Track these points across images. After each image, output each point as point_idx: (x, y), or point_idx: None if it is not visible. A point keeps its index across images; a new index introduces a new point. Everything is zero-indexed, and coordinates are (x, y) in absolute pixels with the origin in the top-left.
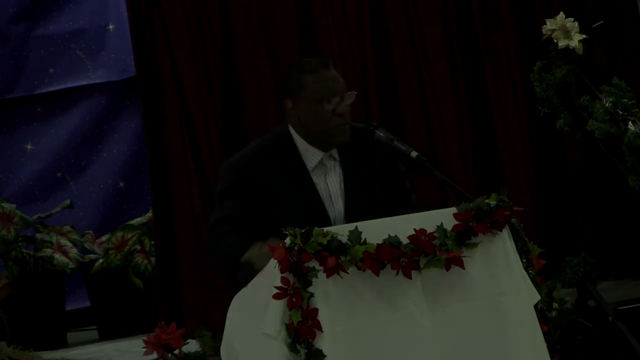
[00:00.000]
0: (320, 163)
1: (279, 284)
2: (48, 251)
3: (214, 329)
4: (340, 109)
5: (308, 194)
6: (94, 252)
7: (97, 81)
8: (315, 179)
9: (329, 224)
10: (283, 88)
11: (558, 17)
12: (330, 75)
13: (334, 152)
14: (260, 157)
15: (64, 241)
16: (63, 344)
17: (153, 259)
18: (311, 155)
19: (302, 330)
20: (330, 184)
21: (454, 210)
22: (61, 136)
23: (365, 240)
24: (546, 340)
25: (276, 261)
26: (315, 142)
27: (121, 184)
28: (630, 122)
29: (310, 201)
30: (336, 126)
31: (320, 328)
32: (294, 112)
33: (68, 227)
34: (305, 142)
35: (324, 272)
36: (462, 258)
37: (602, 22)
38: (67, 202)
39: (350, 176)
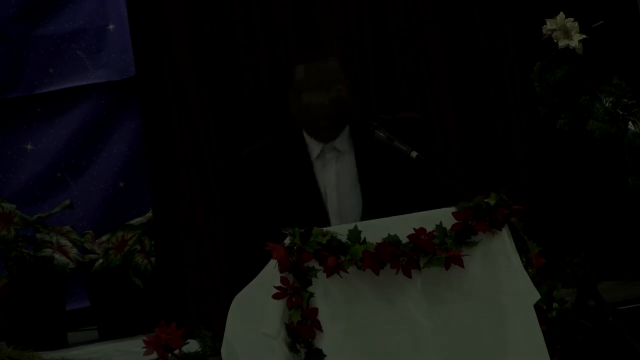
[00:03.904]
0: (322, 154)
1: (279, 283)
2: (48, 251)
3: (214, 329)
4: (318, 100)
5: (307, 185)
6: (94, 252)
7: (97, 81)
8: (317, 168)
9: (326, 217)
10: (283, 79)
11: (558, 17)
12: (316, 67)
13: (339, 144)
14: (268, 148)
15: (64, 241)
16: (63, 344)
17: (153, 259)
18: (313, 146)
19: (302, 330)
20: (326, 177)
21: (453, 209)
22: (61, 136)
23: (364, 239)
24: (546, 340)
25: (276, 261)
26: (310, 133)
27: (121, 184)
28: (630, 122)
29: (308, 192)
30: (318, 119)
31: (320, 328)
32: (291, 103)
33: (68, 227)
34: (306, 133)
35: (323, 271)
36: (462, 257)
37: (602, 22)
38: (67, 202)
39: (362, 169)
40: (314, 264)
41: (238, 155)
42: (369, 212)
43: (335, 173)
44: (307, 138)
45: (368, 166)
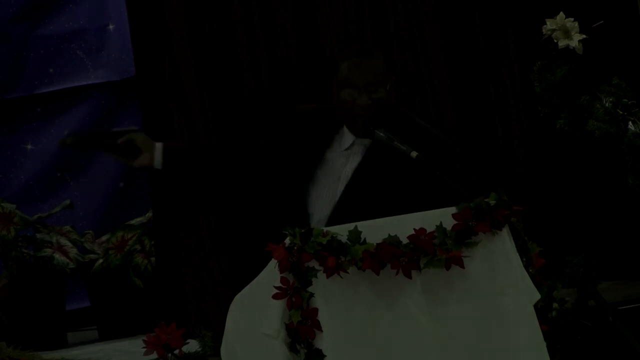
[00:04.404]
0: (352, 145)
1: (279, 283)
2: (48, 251)
3: (214, 329)
4: (360, 100)
5: (305, 168)
6: (94, 252)
7: (97, 81)
8: (340, 158)
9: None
10: (328, 69)
11: (558, 17)
12: (359, 65)
13: (366, 141)
14: (318, 117)
15: (64, 241)
16: (63, 344)
17: (153, 259)
18: (346, 137)
19: (302, 330)
20: (346, 166)
21: (453, 209)
22: (61, 136)
23: (365, 240)
24: (546, 340)
25: (276, 261)
26: (347, 126)
27: (121, 184)
28: (630, 122)
29: (326, 174)
30: (353, 117)
31: (320, 328)
32: (333, 95)
33: (68, 227)
34: (344, 123)
35: (323, 272)
36: (462, 257)
37: (602, 22)
38: (67, 202)
39: (366, 165)
40: (314, 264)
41: (292, 107)
42: (341, 208)
43: (356, 164)
44: (344, 127)
45: (369, 164)
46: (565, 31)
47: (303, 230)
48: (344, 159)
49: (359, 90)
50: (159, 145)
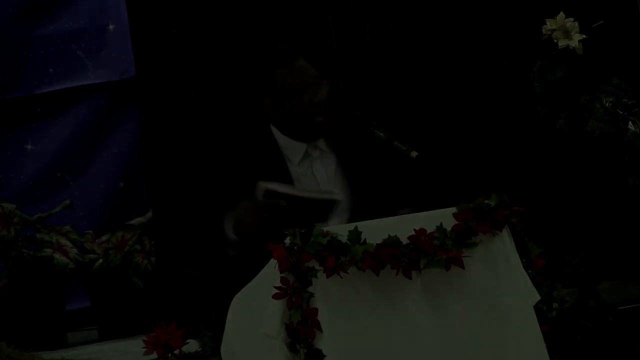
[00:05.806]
0: (306, 154)
1: (279, 283)
2: (48, 251)
3: (214, 329)
4: (317, 98)
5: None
6: (94, 252)
7: (97, 81)
8: (301, 170)
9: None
10: (259, 87)
11: (558, 17)
12: (301, 66)
13: (319, 143)
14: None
15: (64, 241)
16: (63, 344)
17: (153, 259)
18: (294, 150)
19: (302, 330)
20: (318, 173)
21: (453, 210)
22: (61, 136)
23: (365, 240)
24: (546, 340)
25: (276, 261)
26: (298, 136)
27: (121, 184)
28: (630, 122)
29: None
30: (315, 117)
31: (320, 328)
32: (275, 110)
33: (68, 227)
34: (288, 138)
35: (323, 272)
36: (462, 258)
37: (602, 22)
38: (67, 202)
39: (344, 164)
40: (314, 264)
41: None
42: (357, 207)
43: (326, 171)
44: (287, 143)
45: (353, 165)
46: (565, 31)
47: (303, 230)
48: (303, 169)
49: (310, 88)
50: None
